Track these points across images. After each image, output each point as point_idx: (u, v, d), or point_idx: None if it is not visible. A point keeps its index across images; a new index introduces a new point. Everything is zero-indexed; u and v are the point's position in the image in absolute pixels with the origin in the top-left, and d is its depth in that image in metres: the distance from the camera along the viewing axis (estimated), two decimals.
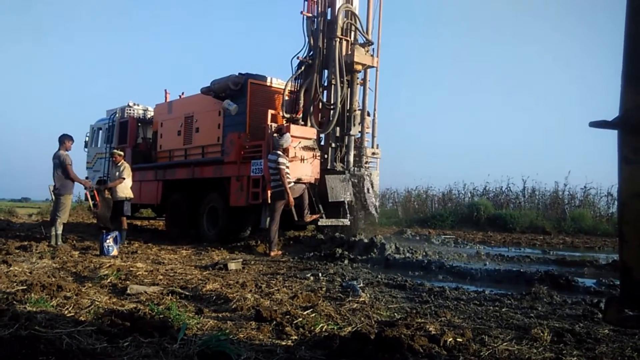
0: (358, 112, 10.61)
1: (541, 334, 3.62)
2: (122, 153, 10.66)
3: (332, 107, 10.31)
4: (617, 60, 1.86)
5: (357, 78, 10.68)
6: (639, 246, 1.83)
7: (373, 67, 10.78)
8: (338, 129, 10.47)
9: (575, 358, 3.19)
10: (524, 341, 3.51)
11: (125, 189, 10.12)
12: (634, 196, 1.84)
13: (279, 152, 9.08)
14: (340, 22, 10.36)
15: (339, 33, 10.32)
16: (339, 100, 10.20)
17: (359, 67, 10.51)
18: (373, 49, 10.84)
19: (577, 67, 72.56)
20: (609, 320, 2.09)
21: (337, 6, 10.44)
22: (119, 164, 10.23)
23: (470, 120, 71.97)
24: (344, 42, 10.46)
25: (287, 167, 9.07)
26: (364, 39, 10.76)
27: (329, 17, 10.61)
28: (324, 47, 10.47)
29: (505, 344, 3.39)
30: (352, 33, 10.71)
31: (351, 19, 10.64)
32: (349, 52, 10.43)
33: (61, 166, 9.25)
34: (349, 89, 10.57)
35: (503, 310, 4.65)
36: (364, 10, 11.06)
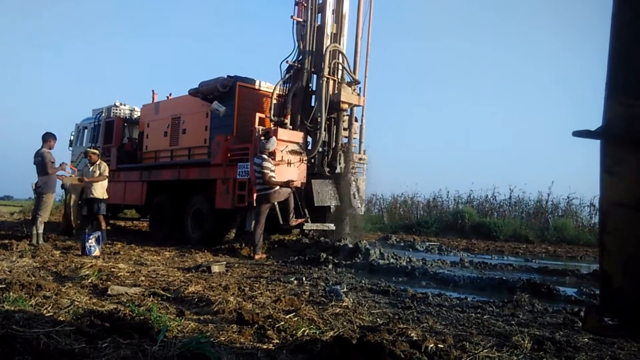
0: (342, 153, 10.67)
1: (522, 341, 3.64)
2: (96, 151, 10.53)
3: (317, 129, 10.36)
4: (603, 71, 1.88)
5: (344, 115, 10.74)
6: (620, 255, 1.85)
7: (359, 105, 10.88)
8: (325, 133, 10.49)
9: None
10: (505, 348, 3.53)
11: (102, 188, 10.04)
12: (615, 206, 1.86)
13: (264, 156, 9.07)
14: (327, 62, 10.43)
15: (326, 73, 10.40)
16: (323, 127, 10.29)
17: (345, 106, 10.58)
18: (360, 87, 10.92)
19: (565, 76, 73.51)
20: (588, 329, 2.10)
21: (325, 45, 10.51)
22: (97, 163, 10.12)
23: (455, 128, 72.40)
24: (331, 81, 10.53)
25: (272, 171, 9.06)
26: (351, 78, 10.82)
27: (318, 23, 10.65)
28: (310, 68, 10.50)
29: (486, 350, 3.40)
30: (340, 72, 10.78)
31: (339, 59, 10.71)
32: (336, 91, 10.48)
33: (42, 164, 9.14)
34: (335, 126, 10.67)
35: (484, 317, 4.67)
36: (353, 29, 11.12)
